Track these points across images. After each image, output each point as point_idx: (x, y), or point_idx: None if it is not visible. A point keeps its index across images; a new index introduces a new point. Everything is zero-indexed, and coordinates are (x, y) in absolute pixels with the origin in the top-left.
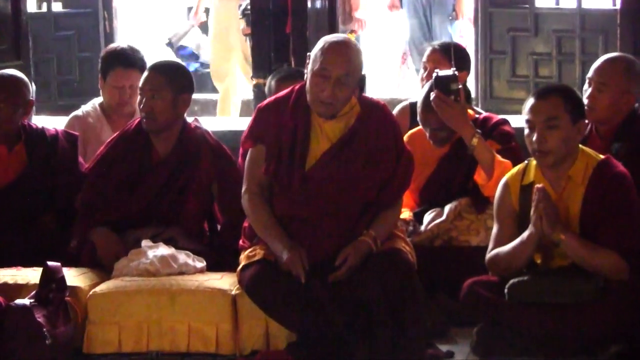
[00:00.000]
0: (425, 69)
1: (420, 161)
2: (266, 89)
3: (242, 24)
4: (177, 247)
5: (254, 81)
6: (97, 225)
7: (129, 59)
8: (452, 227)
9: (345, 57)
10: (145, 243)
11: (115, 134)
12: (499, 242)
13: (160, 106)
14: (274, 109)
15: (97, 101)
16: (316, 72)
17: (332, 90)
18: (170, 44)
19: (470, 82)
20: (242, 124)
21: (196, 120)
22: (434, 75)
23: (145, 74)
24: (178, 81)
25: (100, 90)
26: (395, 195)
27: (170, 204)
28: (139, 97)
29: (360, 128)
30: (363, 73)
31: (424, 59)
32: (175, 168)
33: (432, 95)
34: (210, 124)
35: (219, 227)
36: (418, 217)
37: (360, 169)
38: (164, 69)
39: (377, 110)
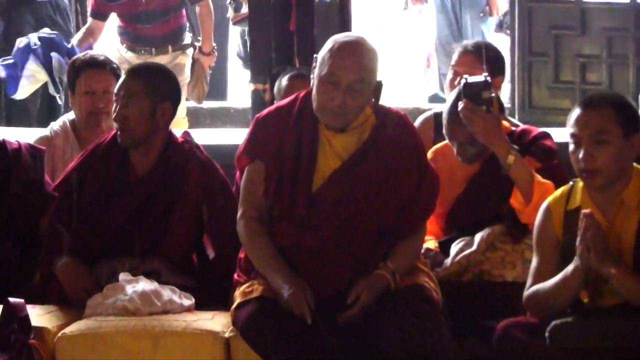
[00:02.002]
0: (455, 73)
1: (447, 181)
2: (275, 89)
3: (230, 10)
4: (160, 282)
5: (252, 87)
6: (63, 255)
7: (99, 61)
8: (484, 259)
9: (358, 60)
10: (123, 276)
11: (88, 147)
12: (538, 277)
13: (134, 115)
14: (274, 119)
15: (68, 117)
16: (324, 78)
17: (343, 99)
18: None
19: (506, 89)
20: (241, 136)
21: (186, 133)
22: (463, 81)
23: (122, 78)
24: (158, 87)
25: (72, 107)
26: (417, 222)
27: (152, 230)
28: (114, 106)
29: (375, 143)
30: (379, 79)
31: (453, 61)
32: (156, 188)
33: (461, 104)
34: (201, 136)
35: (209, 257)
36: (444, 247)
37: (375, 191)
38: (141, 72)
39: (395, 122)
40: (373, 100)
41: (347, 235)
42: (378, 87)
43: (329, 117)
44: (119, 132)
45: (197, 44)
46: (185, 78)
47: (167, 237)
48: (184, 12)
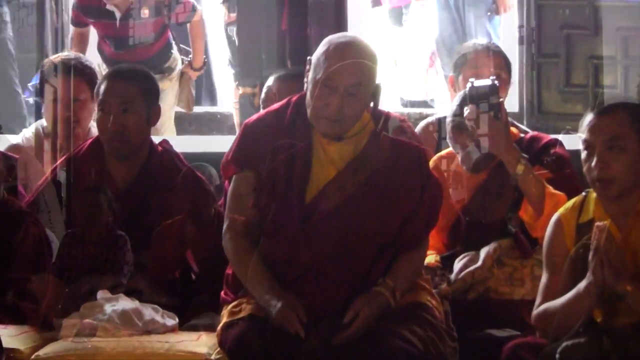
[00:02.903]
0: (466, 77)
1: (451, 191)
2: (263, 93)
3: (224, 10)
4: (142, 300)
5: (240, 90)
6: (39, 273)
7: (68, 67)
8: (490, 276)
9: (355, 62)
10: (101, 295)
11: (61, 158)
12: (549, 295)
13: (134, 122)
14: (265, 125)
15: (42, 123)
16: (319, 82)
17: (340, 104)
18: None
19: (513, 93)
20: (229, 143)
21: (165, 142)
22: (469, 84)
23: (107, 83)
24: (151, 90)
25: (43, 114)
26: (420, 235)
27: (134, 247)
28: (99, 113)
29: (374, 150)
30: (378, 82)
31: (464, 64)
32: (139, 203)
33: (466, 110)
34: (188, 142)
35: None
36: (447, 263)
37: (374, 202)
38: (134, 76)
39: (396, 128)
40: (371, 104)
41: (344, 249)
42: (377, 90)
43: (325, 126)
44: (114, 143)
45: (184, 58)
46: (169, 107)
47: (151, 254)
48: (168, 33)
